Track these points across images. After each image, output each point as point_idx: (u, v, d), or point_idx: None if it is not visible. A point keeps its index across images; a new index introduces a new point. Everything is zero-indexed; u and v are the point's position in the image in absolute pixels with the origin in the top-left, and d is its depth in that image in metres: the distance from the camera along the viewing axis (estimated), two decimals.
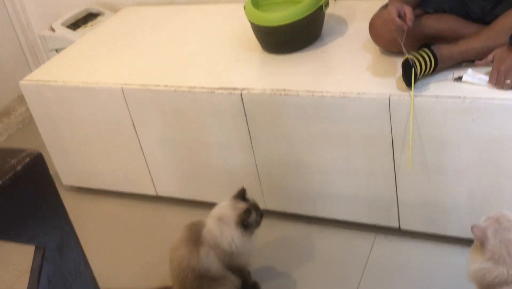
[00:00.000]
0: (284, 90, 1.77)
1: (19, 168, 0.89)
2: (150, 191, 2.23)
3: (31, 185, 0.93)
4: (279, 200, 2.01)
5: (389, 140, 1.70)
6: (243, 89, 1.82)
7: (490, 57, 1.58)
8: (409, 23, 1.61)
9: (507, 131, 1.55)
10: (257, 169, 1.96)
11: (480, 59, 1.63)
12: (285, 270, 1.87)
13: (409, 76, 1.62)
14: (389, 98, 1.63)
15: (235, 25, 2.21)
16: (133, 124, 2.06)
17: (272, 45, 1.98)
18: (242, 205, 1.64)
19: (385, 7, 1.83)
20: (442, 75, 1.66)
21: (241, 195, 1.68)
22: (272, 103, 1.80)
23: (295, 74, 1.85)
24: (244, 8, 1.99)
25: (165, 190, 2.21)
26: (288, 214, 2.03)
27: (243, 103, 1.83)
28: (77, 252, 1.07)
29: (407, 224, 1.85)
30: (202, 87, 1.88)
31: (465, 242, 1.73)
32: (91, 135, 2.18)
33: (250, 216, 1.63)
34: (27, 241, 0.94)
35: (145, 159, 2.14)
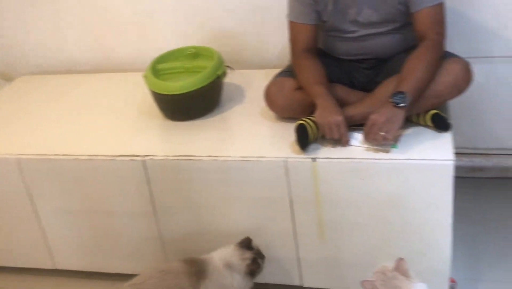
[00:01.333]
0: (187, 156, 1.82)
1: None
2: (48, 265, 2.14)
3: None
4: None
5: (287, 201, 1.79)
6: (145, 155, 1.84)
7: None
8: (345, 143, 1.73)
9: (392, 189, 1.69)
10: (161, 235, 1.96)
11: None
12: None
13: (303, 140, 1.73)
14: (285, 161, 1.73)
15: (135, 93, 2.25)
16: (29, 195, 1.99)
17: (173, 113, 2.04)
18: (248, 255, 1.74)
19: (278, 75, 1.96)
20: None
21: (246, 243, 1.77)
22: (175, 169, 1.84)
23: (197, 140, 1.90)
24: (144, 77, 2.04)
25: (65, 263, 2.13)
26: None
27: (145, 170, 1.85)
28: None
29: (310, 282, 1.92)
30: (103, 155, 1.88)
31: None
32: None
33: (259, 267, 1.75)
34: None
35: (42, 231, 2.06)
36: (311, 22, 1.90)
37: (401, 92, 1.64)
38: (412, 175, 1.66)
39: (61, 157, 1.91)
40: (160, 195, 1.89)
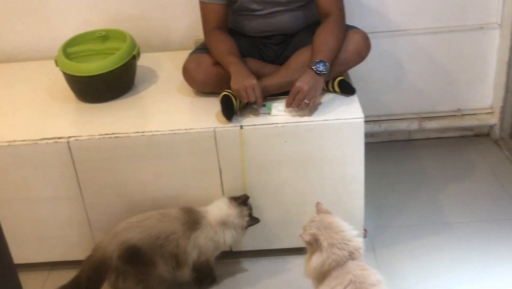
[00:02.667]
0: (113, 134, 1.83)
1: None
2: None
3: None
4: None
5: (217, 169, 1.88)
6: (69, 137, 1.83)
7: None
8: (260, 104, 1.84)
9: (311, 149, 1.86)
10: (88, 217, 1.95)
11: (282, 93, 1.93)
12: None
13: (228, 110, 1.84)
14: (214, 130, 1.82)
15: (39, 81, 2.20)
16: None
17: (89, 95, 2.03)
18: (247, 212, 1.85)
19: (194, 52, 2.05)
20: (254, 109, 1.91)
21: (244, 200, 1.86)
22: (101, 148, 1.84)
23: (121, 118, 1.92)
24: (56, 60, 2.00)
25: None
26: None
27: (70, 152, 1.83)
28: None
29: (238, 246, 2.02)
30: (24, 140, 1.82)
31: (287, 251, 2.00)
32: None
33: (256, 221, 1.88)
34: None
35: None
36: (221, 2, 2.00)
37: (321, 61, 1.81)
38: (328, 134, 1.84)
39: None
40: (86, 176, 1.88)
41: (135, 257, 1.74)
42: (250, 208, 1.89)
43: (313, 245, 1.61)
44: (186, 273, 1.83)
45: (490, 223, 2.14)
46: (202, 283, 1.93)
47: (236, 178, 1.90)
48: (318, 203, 1.69)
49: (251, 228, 1.90)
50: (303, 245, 1.76)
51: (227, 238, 1.85)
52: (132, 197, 1.93)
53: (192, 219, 1.82)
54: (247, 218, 1.86)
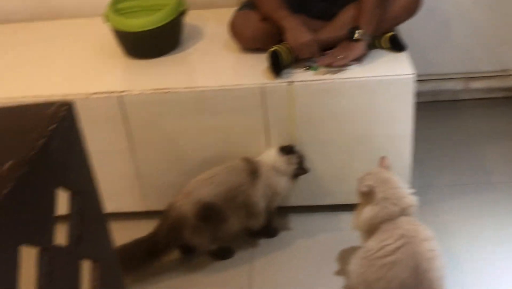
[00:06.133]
0: (164, 89, 1.85)
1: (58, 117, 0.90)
2: None
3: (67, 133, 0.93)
4: (161, 199, 2.06)
5: (262, 127, 1.90)
6: (121, 91, 1.86)
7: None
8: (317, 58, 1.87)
9: (359, 105, 1.85)
10: (138, 171, 1.99)
11: (326, 49, 1.92)
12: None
13: (277, 66, 1.84)
14: (263, 87, 1.83)
15: (85, 37, 2.23)
16: None
17: (137, 51, 2.04)
18: (294, 160, 1.88)
19: (240, 9, 2.04)
20: (301, 65, 1.90)
21: (289, 149, 1.89)
22: (152, 103, 1.87)
23: (170, 74, 1.94)
24: (106, 16, 2.02)
25: None
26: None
27: (121, 106, 1.86)
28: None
29: (289, 201, 2.05)
30: (77, 94, 1.86)
31: (336, 207, 2.02)
32: None
33: (304, 171, 1.91)
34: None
35: None
36: None
37: (357, 27, 1.83)
38: (377, 91, 1.83)
39: (30, 100, 1.85)
40: (136, 130, 1.92)
41: (210, 214, 1.80)
42: (301, 158, 1.91)
43: (367, 197, 1.63)
44: (256, 222, 1.89)
45: None
46: (263, 233, 1.97)
47: (283, 135, 1.91)
48: (383, 157, 1.70)
49: (302, 184, 1.92)
50: (351, 201, 1.78)
51: (282, 185, 1.89)
52: (180, 151, 1.96)
53: (254, 169, 1.86)
54: (295, 166, 1.89)
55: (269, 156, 1.90)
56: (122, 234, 1.81)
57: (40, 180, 0.84)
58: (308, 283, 1.81)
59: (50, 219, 0.84)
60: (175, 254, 1.92)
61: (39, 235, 0.81)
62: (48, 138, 0.87)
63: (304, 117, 1.88)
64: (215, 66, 1.97)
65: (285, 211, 2.08)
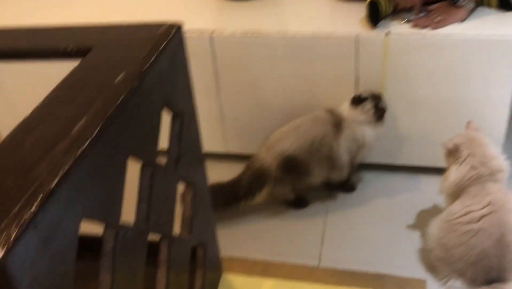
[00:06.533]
0: (255, 32, 1.83)
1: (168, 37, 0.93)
2: None
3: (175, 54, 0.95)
4: (243, 142, 2.07)
5: (353, 77, 1.84)
6: (212, 31, 1.85)
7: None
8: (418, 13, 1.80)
9: (457, 64, 1.76)
10: (221, 112, 2.00)
11: (428, 3, 1.83)
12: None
13: (375, 16, 1.77)
14: (357, 36, 1.77)
15: None
16: None
17: None
18: (368, 106, 1.82)
19: None
20: (396, 17, 1.83)
21: (359, 99, 1.82)
22: (242, 45, 1.85)
23: (260, 18, 1.91)
24: None
25: None
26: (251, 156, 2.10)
27: (212, 46, 1.86)
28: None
29: (369, 158, 2.00)
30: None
31: (421, 170, 1.96)
32: None
33: (383, 111, 1.84)
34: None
35: None
36: None
37: None
38: (478, 50, 1.73)
39: None
40: (224, 72, 1.92)
41: (293, 166, 1.79)
42: (375, 100, 1.83)
43: (453, 155, 1.57)
44: (339, 176, 1.88)
45: None
46: (341, 187, 1.96)
47: (372, 88, 1.85)
48: (469, 121, 1.62)
49: (385, 141, 1.87)
50: (436, 164, 1.71)
51: (368, 134, 1.84)
52: (264, 97, 1.95)
53: (338, 120, 1.82)
54: (372, 111, 1.82)
55: (345, 109, 1.85)
56: None
57: (148, 95, 0.85)
58: (380, 244, 1.77)
59: (154, 136, 0.85)
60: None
61: (145, 149, 0.82)
62: (157, 55, 0.87)
63: (397, 72, 1.81)
64: (310, 12, 1.93)
65: (366, 168, 2.04)
